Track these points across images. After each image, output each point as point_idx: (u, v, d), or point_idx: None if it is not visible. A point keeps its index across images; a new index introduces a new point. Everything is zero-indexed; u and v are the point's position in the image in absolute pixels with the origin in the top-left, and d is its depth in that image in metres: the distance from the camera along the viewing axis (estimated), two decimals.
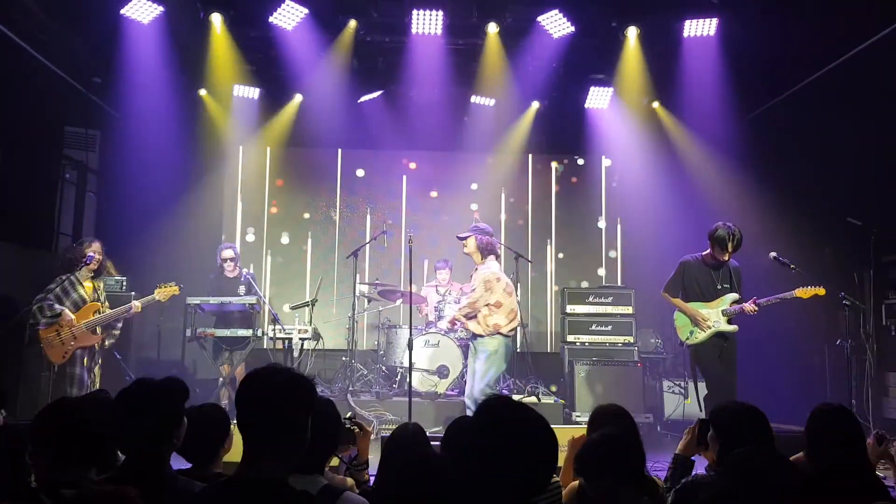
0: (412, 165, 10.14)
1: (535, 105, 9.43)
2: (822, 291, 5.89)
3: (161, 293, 6.34)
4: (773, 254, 6.20)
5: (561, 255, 10.15)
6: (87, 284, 6.30)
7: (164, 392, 2.54)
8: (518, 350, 8.10)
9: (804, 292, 5.90)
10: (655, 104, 9.19)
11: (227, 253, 7.67)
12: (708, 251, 6.03)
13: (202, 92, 8.88)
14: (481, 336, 6.04)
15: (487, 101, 9.16)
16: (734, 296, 6.02)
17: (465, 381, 7.43)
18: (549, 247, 10.15)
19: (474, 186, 10.16)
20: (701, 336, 6.01)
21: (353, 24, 7.98)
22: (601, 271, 10.07)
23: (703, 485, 2.83)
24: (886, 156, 6.47)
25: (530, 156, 10.15)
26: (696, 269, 6.09)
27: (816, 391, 6.61)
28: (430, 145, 9.75)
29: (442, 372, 7.57)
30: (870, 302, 6.77)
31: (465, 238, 6.18)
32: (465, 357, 7.65)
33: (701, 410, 6.08)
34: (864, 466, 2.97)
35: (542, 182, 10.21)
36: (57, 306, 6.06)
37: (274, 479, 2.06)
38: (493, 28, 8.00)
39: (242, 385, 2.19)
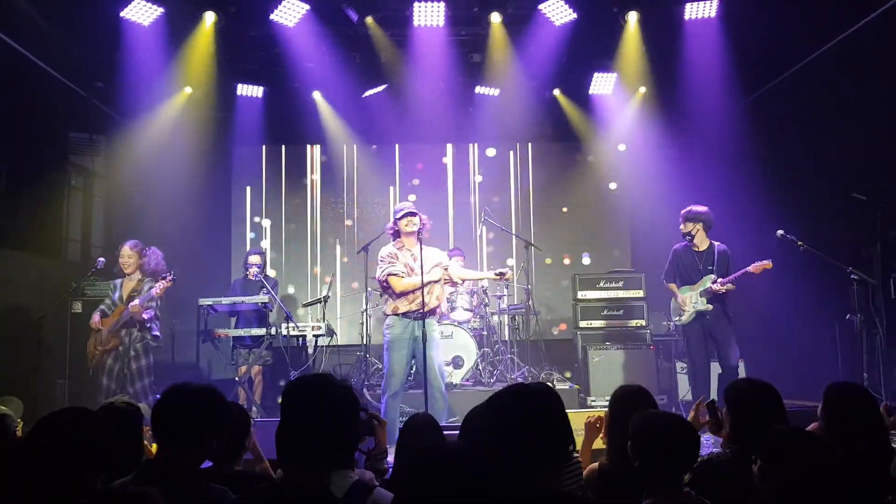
0: (419, 166, 10.29)
1: (555, 92, 9.50)
2: (769, 265, 6.38)
3: (156, 287, 6.40)
4: (780, 232, 6.54)
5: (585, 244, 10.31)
6: (129, 284, 6.56)
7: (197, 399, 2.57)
8: (531, 337, 8.20)
9: (755, 267, 6.43)
10: (645, 90, 9.27)
11: (254, 259, 7.91)
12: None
13: (188, 90, 8.90)
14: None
15: (492, 91, 9.20)
16: (711, 277, 6.64)
17: (478, 371, 7.65)
18: (562, 230, 10.27)
19: (479, 178, 10.31)
20: (685, 317, 6.77)
21: (353, 17, 8.06)
22: (616, 253, 10.23)
23: (720, 463, 2.88)
24: (890, 131, 6.54)
25: (530, 145, 10.29)
26: (685, 255, 6.84)
27: (828, 366, 6.76)
28: (437, 138, 9.86)
29: (457, 363, 7.71)
30: (878, 276, 6.89)
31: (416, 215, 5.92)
32: (480, 347, 7.85)
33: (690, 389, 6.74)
34: (881, 441, 3.05)
35: (554, 169, 10.35)
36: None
37: (317, 484, 2.12)
38: (496, 18, 8.08)
39: (289, 390, 2.28)
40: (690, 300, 6.74)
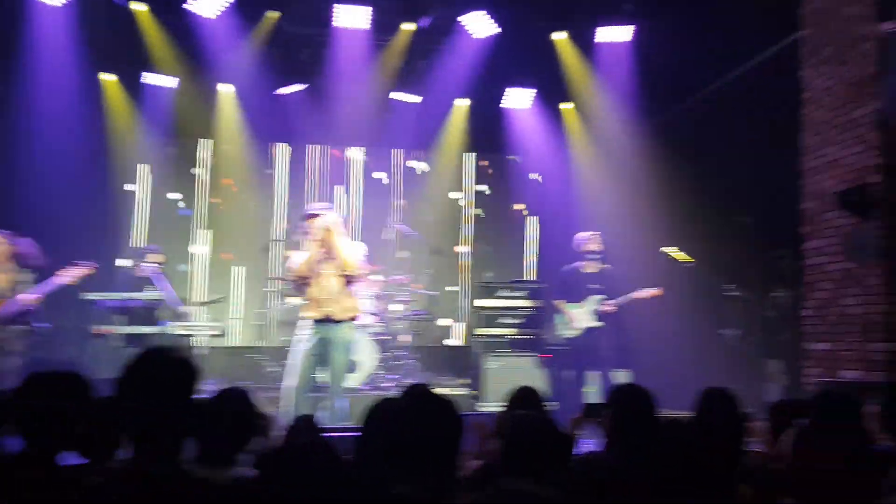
0: (334, 166, 10.22)
1: (463, 103, 9.59)
2: (659, 293, 6.94)
3: (67, 276, 6.00)
4: (664, 249, 7.11)
5: (490, 248, 10.44)
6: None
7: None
8: (431, 344, 8.25)
9: (643, 294, 6.99)
10: (569, 106, 9.49)
11: (155, 258, 7.48)
12: (582, 259, 7.25)
13: (105, 76, 8.60)
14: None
15: (413, 98, 9.22)
16: (600, 297, 7.09)
17: (374, 376, 7.65)
18: (469, 240, 10.37)
19: (384, 180, 10.34)
20: (572, 332, 7.20)
21: (274, 15, 7.96)
22: (524, 266, 10.45)
23: (598, 461, 2.95)
24: (777, 159, 6.98)
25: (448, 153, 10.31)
26: (573, 276, 7.27)
27: (709, 378, 7.02)
28: (356, 141, 9.83)
29: (356, 367, 7.53)
30: (758, 294, 7.26)
31: (317, 215, 5.68)
32: (380, 351, 7.81)
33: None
34: (743, 443, 3.22)
35: (468, 178, 10.50)
36: None
37: (174, 471, 2.07)
38: (411, 26, 8.13)
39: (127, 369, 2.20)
40: (581, 317, 7.15)
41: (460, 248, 10.34)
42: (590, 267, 7.25)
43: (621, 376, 6.95)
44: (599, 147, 9.38)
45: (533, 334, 8.19)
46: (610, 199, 9.03)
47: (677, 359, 7.88)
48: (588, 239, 7.27)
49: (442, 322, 9.55)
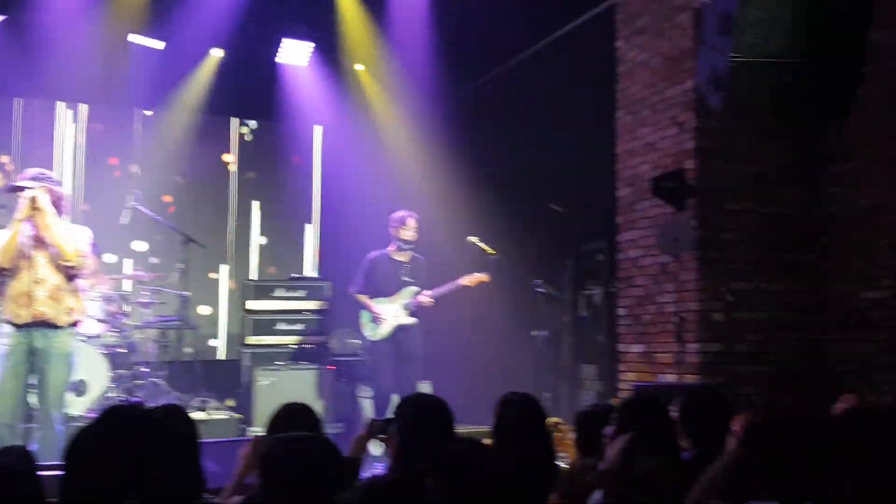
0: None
1: (217, 54, 9.27)
2: (486, 278, 7.09)
3: None
4: (471, 238, 7.16)
5: (264, 241, 10.23)
6: None
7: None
8: (186, 359, 8.05)
9: (471, 280, 7.08)
10: (361, 67, 9.56)
11: None
12: (392, 244, 7.18)
13: None
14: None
15: (156, 43, 8.77)
16: (415, 289, 7.12)
17: (106, 399, 7.15)
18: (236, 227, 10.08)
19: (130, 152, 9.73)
20: (381, 331, 7.11)
21: None
22: (306, 261, 10.33)
23: (385, 485, 2.88)
24: (590, 144, 7.42)
25: (208, 116, 9.87)
26: (382, 264, 7.20)
27: (515, 385, 7.32)
28: (78, 94, 9.18)
29: (79, 388, 7.04)
30: (569, 291, 7.72)
31: (23, 189, 5.20)
32: (114, 369, 7.38)
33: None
34: (549, 456, 3.45)
35: (221, 149, 10.12)
36: None
37: None
38: None
39: None
40: (391, 312, 7.11)
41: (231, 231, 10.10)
42: (402, 254, 7.24)
43: (424, 387, 7.12)
44: (396, 118, 9.52)
45: (317, 342, 8.27)
46: (410, 177, 9.18)
47: (483, 365, 8.28)
48: (405, 220, 7.17)
49: (201, 329, 9.28)
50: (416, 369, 7.12)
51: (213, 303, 9.86)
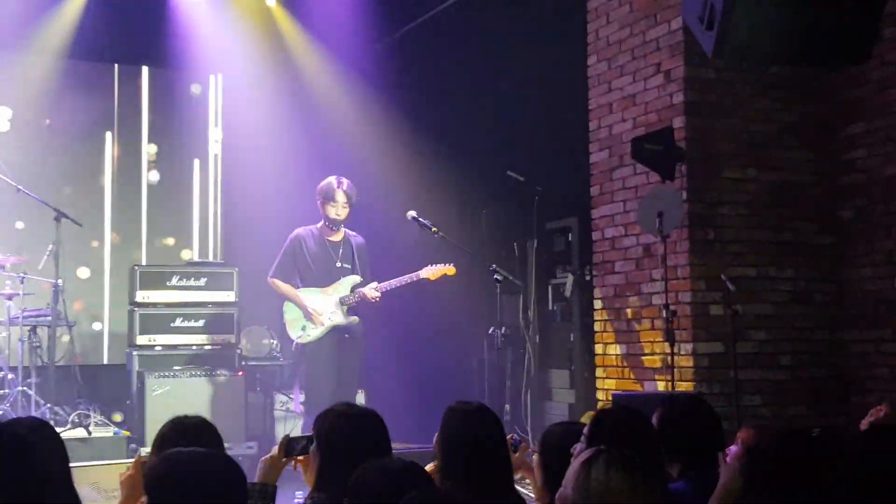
0: None
1: None
2: (451, 271, 7.03)
3: None
4: (411, 213, 7.01)
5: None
6: None
7: None
8: (62, 362, 7.96)
9: (432, 273, 6.99)
10: (272, 3, 9.48)
11: None
12: (322, 221, 7.00)
13: None
14: None
15: None
16: (355, 278, 7.01)
17: None
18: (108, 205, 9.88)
19: None
20: (315, 332, 6.91)
21: None
22: (194, 245, 10.15)
23: None
24: (554, 99, 7.37)
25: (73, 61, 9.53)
26: (312, 245, 7.01)
27: (466, 394, 7.31)
28: None
29: None
30: (531, 280, 7.67)
31: None
32: None
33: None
34: (505, 483, 3.36)
35: (101, 99, 9.82)
36: None
37: None
38: None
39: None
40: (325, 308, 6.95)
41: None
42: (334, 234, 7.08)
43: (359, 398, 7.08)
44: (317, 66, 9.43)
45: (222, 343, 8.16)
46: (336, 142, 9.12)
47: (428, 370, 8.23)
48: (333, 191, 6.96)
49: (88, 329, 9.23)
50: (354, 379, 7.01)
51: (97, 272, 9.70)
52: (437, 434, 3.40)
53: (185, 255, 9.96)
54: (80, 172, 9.73)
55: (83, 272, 9.55)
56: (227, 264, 8.65)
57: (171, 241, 9.99)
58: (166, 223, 10.06)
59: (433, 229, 6.92)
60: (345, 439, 3.17)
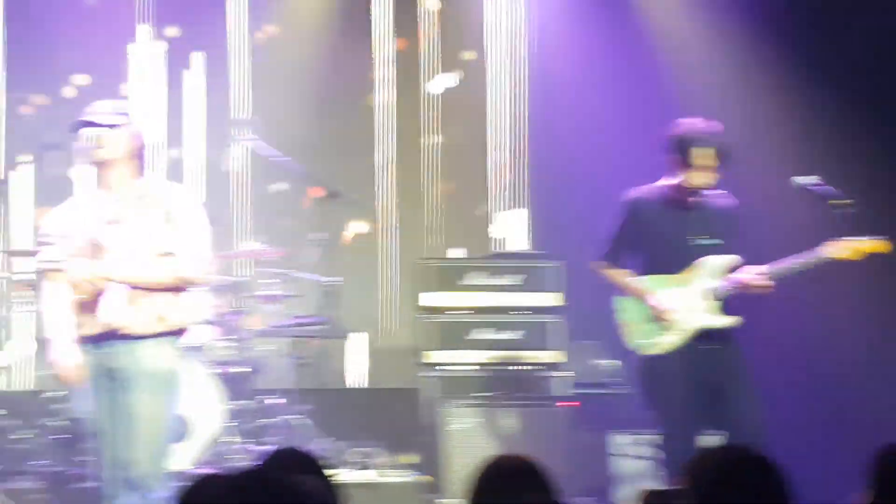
0: None
1: None
2: (880, 246, 6.34)
3: None
4: (799, 179, 6.47)
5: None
6: None
7: None
8: (336, 386, 8.55)
9: (842, 248, 6.21)
10: None
11: None
12: (671, 178, 6.46)
13: None
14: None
15: None
16: (727, 259, 6.35)
17: (221, 445, 7.69)
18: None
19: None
20: (668, 340, 6.35)
21: None
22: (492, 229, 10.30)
23: None
24: None
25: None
26: (655, 214, 6.50)
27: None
28: None
29: (179, 430, 7.22)
30: None
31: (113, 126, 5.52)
32: (233, 398, 7.84)
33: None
34: None
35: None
36: None
37: None
38: None
39: None
40: (683, 303, 6.39)
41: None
42: (693, 196, 6.44)
43: (714, 439, 6.35)
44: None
45: (542, 363, 8.14)
46: (685, 83, 9.16)
47: (837, 396, 8.17)
48: (696, 136, 6.34)
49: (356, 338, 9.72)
50: (741, 402, 6.22)
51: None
52: (864, 490, 3.31)
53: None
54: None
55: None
56: (547, 255, 8.50)
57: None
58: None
59: (840, 201, 6.20)
60: (728, 494, 2.79)
